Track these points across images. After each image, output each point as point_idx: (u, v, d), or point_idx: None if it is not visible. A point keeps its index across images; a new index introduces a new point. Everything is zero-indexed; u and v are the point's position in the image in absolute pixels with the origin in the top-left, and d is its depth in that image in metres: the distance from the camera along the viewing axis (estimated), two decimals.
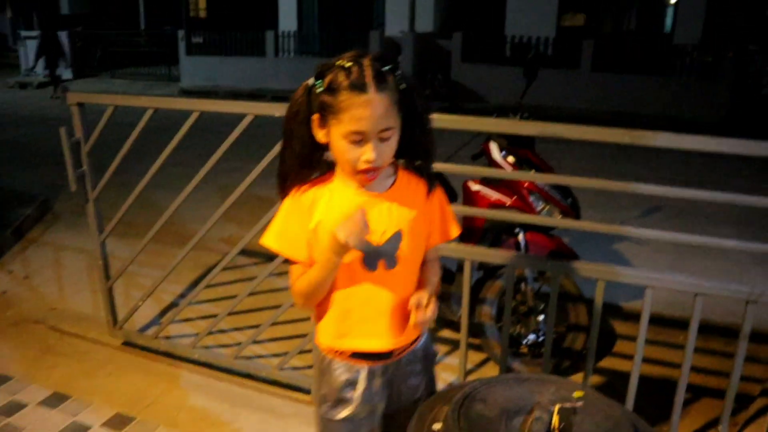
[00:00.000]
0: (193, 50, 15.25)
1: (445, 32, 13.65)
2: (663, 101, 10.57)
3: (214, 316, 2.86)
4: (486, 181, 3.02)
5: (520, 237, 2.89)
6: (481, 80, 12.10)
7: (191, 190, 2.56)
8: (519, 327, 2.96)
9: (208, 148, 2.48)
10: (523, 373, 1.45)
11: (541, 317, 2.95)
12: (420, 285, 1.43)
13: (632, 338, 3.24)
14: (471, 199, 3.02)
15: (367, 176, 1.29)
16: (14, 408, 2.57)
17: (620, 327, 3.40)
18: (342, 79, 1.22)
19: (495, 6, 13.91)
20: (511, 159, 2.95)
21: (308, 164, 1.35)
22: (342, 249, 1.24)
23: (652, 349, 3.04)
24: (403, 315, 1.39)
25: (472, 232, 3.06)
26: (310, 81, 1.29)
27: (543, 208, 2.91)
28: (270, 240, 1.36)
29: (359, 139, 1.24)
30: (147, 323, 3.30)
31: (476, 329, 2.95)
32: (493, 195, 2.96)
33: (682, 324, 3.33)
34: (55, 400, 2.63)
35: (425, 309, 1.32)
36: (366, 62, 1.23)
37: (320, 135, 1.30)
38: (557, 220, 2.74)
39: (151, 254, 3.82)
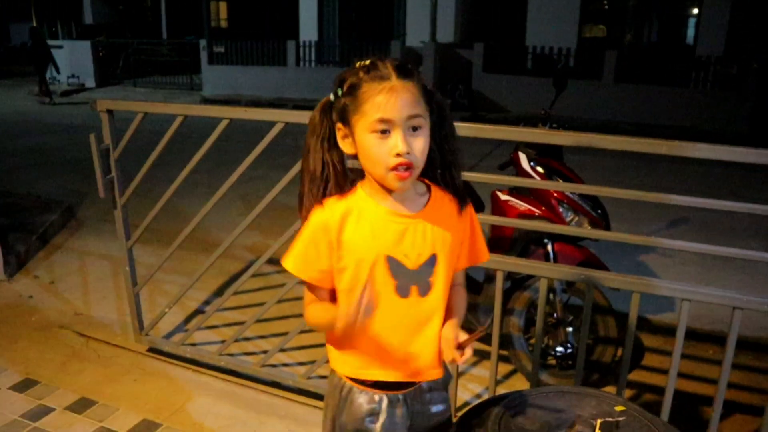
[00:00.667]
0: (214, 60, 15.41)
1: (466, 43, 13.66)
2: (686, 113, 10.47)
3: (240, 323, 2.85)
4: (515, 191, 2.99)
5: (549, 247, 2.86)
6: (502, 91, 12.08)
7: (209, 197, 2.56)
8: (547, 339, 2.92)
9: (229, 157, 2.49)
10: (562, 386, 1.41)
11: (569, 329, 2.91)
12: (448, 314, 1.34)
13: (661, 351, 3.21)
14: (500, 208, 3.00)
15: (400, 173, 1.18)
16: (41, 413, 2.58)
17: (648, 340, 3.34)
18: (362, 75, 1.19)
19: (516, 17, 13.91)
20: (540, 169, 2.92)
21: (324, 187, 1.28)
22: (343, 328, 1.17)
23: (681, 363, 2.99)
24: (433, 345, 1.32)
25: (500, 242, 3.03)
26: (330, 96, 1.25)
27: (573, 219, 2.88)
28: (289, 263, 1.30)
29: (386, 128, 1.17)
30: (172, 330, 3.30)
31: (504, 340, 2.91)
32: (522, 205, 2.93)
33: (710, 338, 3.29)
34: (82, 405, 2.63)
35: (462, 351, 1.22)
36: (387, 60, 1.21)
37: (346, 145, 1.25)
38: (588, 231, 2.70)
39: (176, 261, 3.85)
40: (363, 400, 1.34)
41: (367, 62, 1.21)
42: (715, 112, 10.28)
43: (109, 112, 2.65)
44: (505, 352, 2.96)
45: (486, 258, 1.41)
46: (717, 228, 5.04)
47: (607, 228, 2.90)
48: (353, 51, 14.63)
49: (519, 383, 2.89)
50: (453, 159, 1.31)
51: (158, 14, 22.50)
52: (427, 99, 1.22)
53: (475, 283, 3.32)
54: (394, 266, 1.26)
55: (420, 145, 1.20)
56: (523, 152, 2.97)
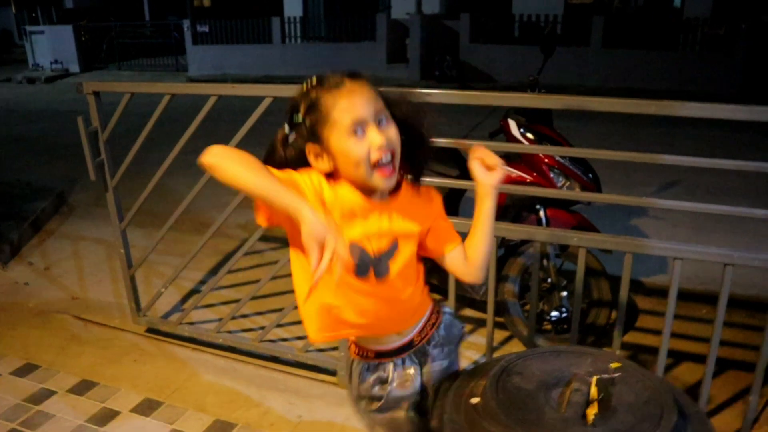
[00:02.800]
0: (199, 40, 15.22)
1: (452, 13, 13.53)
2: (676, 76, 10.46)
3: (236, 301, 2.86)
4: (506, 158, 2.98)
5: (542, 213, 2.87)
6: (490, 60, 12.01)
7: (208, 178, 2.54)
8: (542, 304, 2.95)
9: (222, 136, 2.45)
10: (558, 346, 1.44)
11: (563, 293, 2.94)
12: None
13: (654, 313, 3.25)
14: None
15: (385, 170, 1.21)
16: (44, 395, 2.60)
17: (642, 302, 3.38)
18: (316, 92, 1.21)
19: None
20: (530, 135, 2.92)
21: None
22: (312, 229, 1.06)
23: (674, 323, 3.03)
24: (407, 312, 1.39)
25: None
26: (285, 129, 1.26)
27: (564, 184, 2.89)
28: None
29: (359, 127, 1.19)
30: (169, 310, 3.31)
31: (499, 307, 2.94)
32: (513, 172, 2.93)
33: (702, 297, 3.33)
34: (84, 387, 2.65)
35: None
36: (329, 73, 1.24)
37: (322, 163, 1.24)
38: (579, 194, 2.72)
39: (170, 242, 3.85)
40: (368, 371, 1.42)
41: (314, 79, 1.23)
42: (705, 75, 10.28)
43: (96, 94, 2.62)
44: (501, 319, 3.00)
45: (455, 242, 1.42)
46: (707, 189, 5.08)
47: (599, 191, 2.91)
48: (338, 26, 14.48)
49: (516, 349, 2.93)
50: (418, 153, 1.33)
51: None
52: (382, 97, 1.25)
53: None
54: (355, 251, 1.27)
55: (392, 133, 1.23)
56: (513, 119, 2.96)
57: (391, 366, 1.41)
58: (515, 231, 2.36)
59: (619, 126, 7.47)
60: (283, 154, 1.27)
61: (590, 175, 2.92)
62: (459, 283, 3.11)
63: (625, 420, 1.16)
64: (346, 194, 1.26)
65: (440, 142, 2.38)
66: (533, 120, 2.96)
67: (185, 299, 3.46)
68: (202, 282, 3.65)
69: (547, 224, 2.85)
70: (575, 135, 6.34)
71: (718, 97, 9.44)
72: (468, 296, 3.11)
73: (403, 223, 1.32)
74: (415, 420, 1.44)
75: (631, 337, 3.07)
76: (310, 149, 1.24)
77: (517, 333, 2.95)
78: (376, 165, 1.20)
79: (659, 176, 5.28)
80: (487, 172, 1.33)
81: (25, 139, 8.25)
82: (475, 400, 1.27)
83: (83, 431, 2.37)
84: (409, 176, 1.36)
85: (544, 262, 2.88)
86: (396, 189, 1.32)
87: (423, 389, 1.45)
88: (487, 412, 1.20)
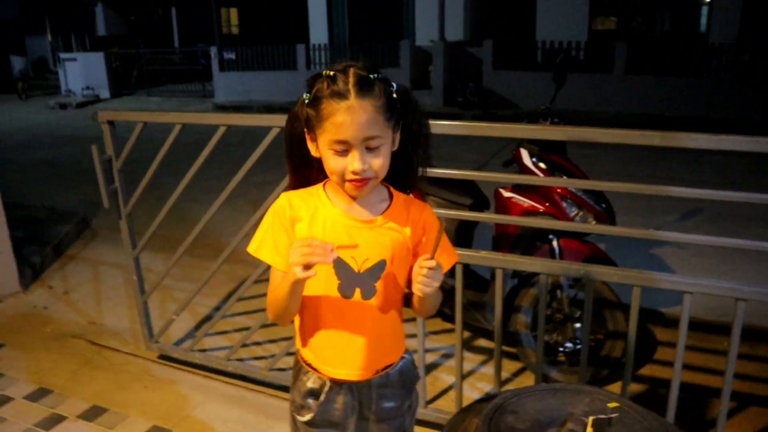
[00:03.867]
0: (225, 66, 15.53)
1: (475, 40, 13.62)
2: (699, 103, 10.32)
3: (248, 328, 2.87)
4: (518, 188, 2.98)
5: (554, 243, 2.84)
6: (513, 87, 12.02)
7: (222, 203, 2.58)
8: (555, 335, 2.90)
9: (241, 163, 2.50)
10: (556, 383, 1.40)
11: (577, 325, 2.89)
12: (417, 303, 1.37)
13: (674, 345, 3.16)
14: (503, 206, 2.99)
15: (356, 184, 1.23)
16: (54, 421, 2.62)
17: (662, 334, 3.30)
18: (324, 88, 1.20)
19: (525, 12, 13.83)
20: (542, 165, 2.90)
21: (305, 180, 1.35)
22: (292, 276, 1.16)
23: (694, 356, 2.95)
24: (375, 347, 1.36)
25: (505, 239, 3.02)
26: (304, 96, 1.27)
27: (576, 214, 2.86)
28: (255, 248, 1.31)
29: (343, 149, 1.20)
30: (183, 336, 3.33)
31: (512, 338, 2.90)
32: (526, 202, 2.91)
33: (724, 329, 3.23)
34: (93, 413, 2.67)
35: (428, 271, 1.21)
36: (352, 70, 1.20)
37: (313, 148, 1.29)
38: (590, 226, 2.66)
39: (187, 268, 3.89)
40: (308, 379, 1.41)
41: (332, 72, 1.21)
42: (729, 101, 10.12)
43: (110, 123, 2.69)
44: (514, 350, 2.95)
45: (448, 266, 1.35)
46: (731, 218, 4.97)
47: (612, 222, 2.87)
48: (363, 52, 14.67)
49: (529, 380, 2.88)
50: (413, 167, 1.35)
51: (169, 23, 22.75)
52: (391, 112, 1.23)
53: (481, 280, 3.31)
54: (339, 266, 1.28)
55: (378, 162, 1.23)
56: (525, 148, 2.95)
57: (328, 386, 1.39)
58: (525, 264, 2.33)
59: (644, 152, 7.37)
60: (299, 119, 1.30)
61: (603, 205, 2.88)
62: (472, 314, 3.09)
63: None
64: (331, 215, 1.29)
65: (451, 173, 2.39)
66: (547, 149, 2.95)
67: (199, 326, 3.48)
68: (217, 308, 3.66)
69: (560, 255, 2.82)
70: (595, 162, 6.31)
71: (741, 123, 9.30)
72: (480, 326, 3.08)
73: (390, 237, 1.31)
74: None
75: (649, 370, 3.00)
76: (307, 133, 1.29)
77: (529, 364, 2.90)
78: (348, 181, 1.23)
79: (683, 203, 5.19)
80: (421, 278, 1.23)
81: (52, 164, 8.46)
82: None
83: None
84: (401, 193, 1.37)
85: (558, 292, 2.84)
86: (387, 206, 1.33)
87: (365, 427, 1.45)
88: None
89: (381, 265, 1.30)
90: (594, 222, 2.85)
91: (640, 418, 1.25)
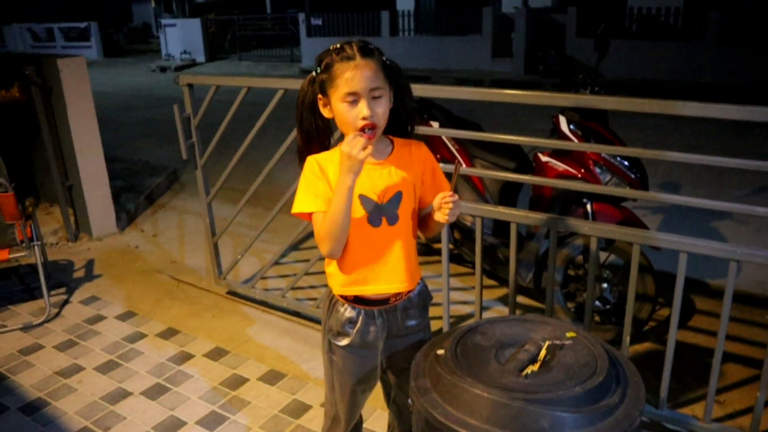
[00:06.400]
0: (312, 32, 15.96)
1: (561, 7, 13.28)
2: None
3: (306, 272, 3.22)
4: (556, 153, 3.13)
5: (588, 207, 2.98)
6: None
7: (281, 155, 2.89)
8: (581, 294, 3.07)
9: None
10: (527, 314, 1.61)
11: (604, 285, 3.04)
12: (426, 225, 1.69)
13: (710, 314, 3.24)
14: (540, 169, 3.15)
15: (367, 134, 1.47)
16: (137, 337, 3.12)
17: (702, 303, 3.37)
18: (334, 56, 1.50)
19: None
20: (578, 132, 3.03)
21: (318, 143, 1.63)
22: (353, 163, 1.41)
23: (732, 327, 3.02)
24: (406, 262, 1.64)
25: (540, 201, 3.20)
26: (313, 72, 1.56)
27: (609, 180, 2.98)
28: (305, 206, 1.55)
29: (353, 99, 1.47)
30: (249, 277, 3.75)
31: (542, 294, 3.10)
32: (561, 166, 3.06)
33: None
34: (169, 333, 3.14)
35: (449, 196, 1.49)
36: (353, 42, 1.51)
37: (326, 111, 1.56)
38: (615, 189, 2.75)
39: (257, 218, 4.31)
40: (344, 310, 1.68)
41: (338, 45, 1.52)
42: None
43: (189, 85, 3.07)
44: (543, 306, 3.15)
45: (446, 187, 1.63)
46: None
47: (645, 190, 2.97)
48: (448, 19, 14.65)
49: None
50: (410, 115, 1.65)
51: None
52: (387, 72, 1.52)
53: (519, 238, 3.49)
54: (365, 201, 1.58)
55: (381, 109, 1.51)
56: (566, 115, 3.09)
57: (363, 314, 1.67)
58: (560, 222, 2.42)
59: (721, 125, 7.12)
60: (307, 92, 1.58)
61: (638, 174, 2.98)
62: (507, 269, 3.29)
63: (555, 376, 1.35)
64: None
65: (490, 136, 2.60)
66: (587, 117, 3.07)
67: (265, 268, 3.89)
68: (283, 254, 4.06)
69: (594, 218, 2.96)
70: (671, 134, 6.20)
71: None
72: (516, 283, 3.28)
73: (400, 174, 1.60)
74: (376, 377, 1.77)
75: (681, 336, 3.10)
76: (320, 99, 1.55)
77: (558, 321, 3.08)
78: (361, 130, 1.49)
79: (754, 179, 5.09)
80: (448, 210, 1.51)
81: (150, 122, 9.22)
82: (440, 351, 1.50)
83: (163, 368, 2.84)
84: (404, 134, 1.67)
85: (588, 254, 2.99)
86: (391, 149, 1.62)
87: (391, 344, 1.72)
88: (444, 361, 1.44)
89: (398, 196, 1.60)
90: (627, 188, 2.97)
91: (590, 345, 1.47)
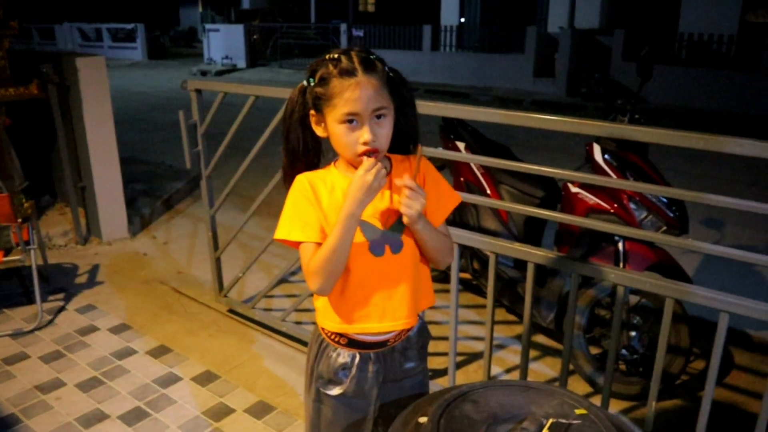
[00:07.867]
0: (353, 43, 15.92)
1: (608, 29, 12.93)
2: None
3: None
4: (587, 184, 2.86)
5: (620, 246, 2.71)
6: None
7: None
8: (609, 342, 2.78)
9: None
10: (532, 381, 1.36)
11: (633, 333, 2.76)
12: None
13: (752, 371, 2.93)
14: (570, 200, 2.89)
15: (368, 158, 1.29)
16: (127, 353, 2.95)
17: (741, 357, 3.06)
18: (332, 68, 1.29)
19: (669, 1, 12.92)
20: (613, 163, 2.76)
21: (305, 161, 1.42)
22: (368, 192, 1.25)
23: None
24: (412, 294, 1.42)
25: (567, 236, 2.93)
26: (304, 82, 1.35)
27: (645, 218, 2.70)
28: (291, 233, 1.35)
29: (354, 120, 1.28)
30: (254, 294, 3.56)
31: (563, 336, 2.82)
32: (592, 199, 2.80)
33: None
34: (160, 351, 2.96)
35: (410, 192, 1.28)
36: (353, 53, 1.30)
37: (319, 130, 1.36)
38: (648, 234, 2.46)
39: (269, 229, 4.12)
40: (337, 355, 1.47)
41: (336, 55, 1.30)
42: None
43: (198, 91, 2.92)
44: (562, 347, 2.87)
45: (454, 202, 1.48)
46: None
47: (684, 230, 2.69)
48: (491, 36, 14.42)
49: (576, 384, 2.79)
50: (415, 131, 1.43)
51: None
52: (390, 86, 1.32)
53: (541, 272, 3.23)
54: (367, 228, 1.36)
55: (384, 131, 1.32)
56: (600, 143, 2.82)
57: (358, 358, 1.45)
58: (583, 267, 2.14)
59: None
60: (297, 103, 1.38)
61: (676, 212, 2.70)
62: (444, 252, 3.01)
63: None
64: (346, 186, 1.33)
65: (522, 166, 2.30)
66: (624, 146, 2.80)
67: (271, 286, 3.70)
68: (293, 272, 3.87)
69: (625, 258, 2.69)
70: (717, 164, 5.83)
71: None
72: (535, 322, 3.02)
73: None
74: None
75: (717, 393, 2.80)
76: (313, 115, 1.36)
77: (578, 367, 2.81)
78: (360, 155, 1.30)
79: None
80: (403, 199, 1.30)
81: (178, 125, 9.17)
82: (422, 420, 1.27)
83: (147, 390, 2.65)
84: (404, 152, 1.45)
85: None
86: (390, 168, 1.40)
87: (387, 390, 1.51)
88: None
89: (401, 220, 1.37)
90: (665, 228, 2.69)
91: (603, 428, 1.22)
